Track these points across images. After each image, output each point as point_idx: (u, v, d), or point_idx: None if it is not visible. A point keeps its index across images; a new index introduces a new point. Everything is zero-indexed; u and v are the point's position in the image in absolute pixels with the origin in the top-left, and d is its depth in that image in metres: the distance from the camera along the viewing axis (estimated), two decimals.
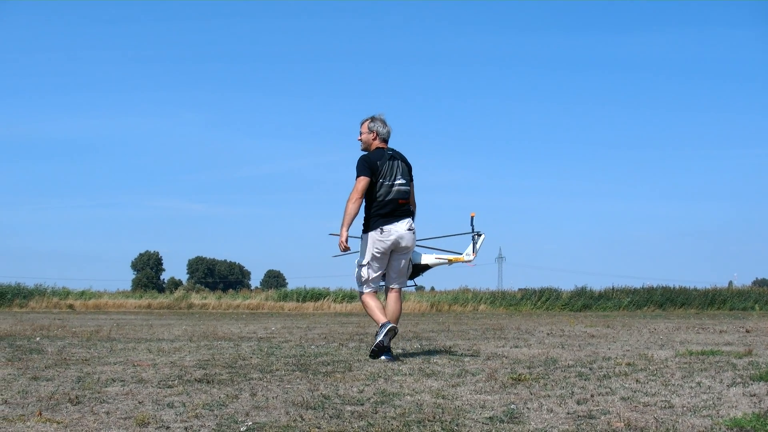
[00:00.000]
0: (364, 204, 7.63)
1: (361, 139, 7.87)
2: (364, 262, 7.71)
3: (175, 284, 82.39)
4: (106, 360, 7.72)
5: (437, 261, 8.24)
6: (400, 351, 8.88)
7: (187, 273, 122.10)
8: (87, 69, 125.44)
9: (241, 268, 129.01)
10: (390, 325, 7.52)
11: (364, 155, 7.72)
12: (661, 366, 7.26)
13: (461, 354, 8.56)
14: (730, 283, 38.79)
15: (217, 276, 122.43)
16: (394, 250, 7.67)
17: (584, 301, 33.26)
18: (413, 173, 7.96)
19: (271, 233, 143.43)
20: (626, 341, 10.84)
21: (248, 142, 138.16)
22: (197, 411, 4.72)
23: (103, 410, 4.77)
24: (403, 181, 7.66)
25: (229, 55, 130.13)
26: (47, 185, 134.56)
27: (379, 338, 7.57)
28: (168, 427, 4.30)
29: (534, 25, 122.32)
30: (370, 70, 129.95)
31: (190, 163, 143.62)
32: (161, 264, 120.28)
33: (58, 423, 4.40)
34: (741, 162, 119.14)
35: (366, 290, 7.83)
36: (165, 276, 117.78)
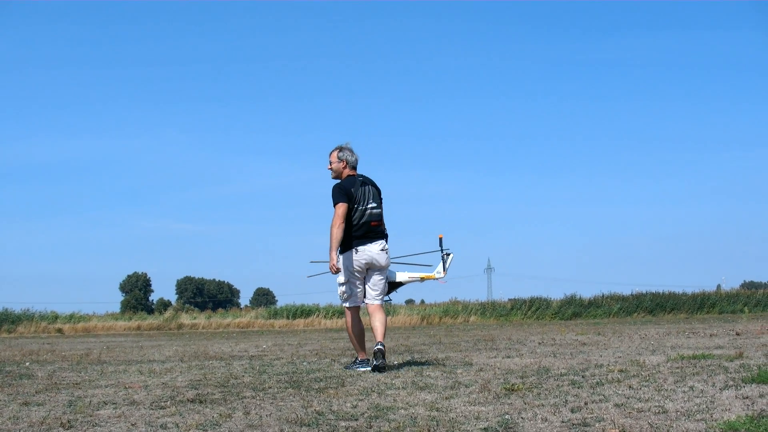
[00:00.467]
0: (340, 238, 8.08)
1: (331, 168, 8.39)
2: (344, 280, 8.27)
3: (165, 305, 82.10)
4: (97, 383, 7.68)
5: (410, 279, 8.70)
6: (393, 364, 8.86)
7: (176, 293, 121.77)
8: (70, 90, 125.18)
9: (230, 286, 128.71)
10: (369, 369, 8.11)
11: (338, 183, 8.23)
12: (654, 371, 7.27)
13: (454, 366, 8.55)
14: (719, 286, 39.03)
15: (207, 295, 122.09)
16: (370, 268, 8.24)
17: (574, 309, 33.31)
18: (382, 196, 8.50)
19: (260, 251, 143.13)
20: (618, 348, 10.85)
21: (233, 159, 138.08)
22: None
23: None
24: (375, 205, 8.21)
25: (212, 73, 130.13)
26: (31, 207, 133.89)
27: (356, 368, 8.30)
28: None
29: (520, 30, 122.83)
30: (354, 85, 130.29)
31: (175, 182, 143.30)
32: (150, 285, 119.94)
33: None
34: (726, 164, 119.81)
35: (350, 305, 8.37)
36: (154, 297, 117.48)
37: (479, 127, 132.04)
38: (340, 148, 8.34)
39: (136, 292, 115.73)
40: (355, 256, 8.11)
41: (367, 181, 8.31)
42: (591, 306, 33.95)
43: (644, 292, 35.91)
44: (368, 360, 8.43)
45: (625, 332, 15.88)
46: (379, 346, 8.03)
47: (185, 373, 8.51)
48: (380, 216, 8.26)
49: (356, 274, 8.19)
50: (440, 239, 8.73)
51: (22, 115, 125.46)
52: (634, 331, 16.58)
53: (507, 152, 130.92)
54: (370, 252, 8.13)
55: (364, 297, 8.41)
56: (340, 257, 8.19)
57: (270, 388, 6.83)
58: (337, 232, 7.97)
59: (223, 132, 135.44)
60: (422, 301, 52.40)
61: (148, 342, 18.89)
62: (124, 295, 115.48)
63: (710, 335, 13.45)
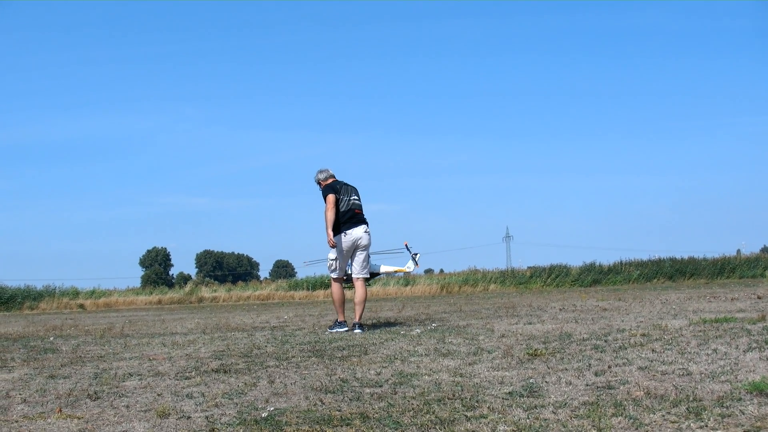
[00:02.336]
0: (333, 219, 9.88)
1: (319, 181, 10.30)
2: (334, 256, 10.10)
3: (185, 279, 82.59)
4: (121, 356, 7.74)
5: (388, 269, 10.68)
6: (415, 332, 8.89)
7: (196, 267, 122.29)
8: (86, 70, 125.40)
9: (249, 259, 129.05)
10: (346, 329, 9.95)
11: (327, 184, 10.19)
12: (676, 335, 7.26)
13: (475, 333, 8.56)
14: (738, 251, 38.76)
15: (226, 269, 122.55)
16: (356, 248, 10.08)
17: (594, 276, 33.23)
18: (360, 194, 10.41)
19: (278, 223, 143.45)
20: (639, 313, 10.84)
21: (251, 134, 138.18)
22: (217, 400, 4.73)
23: (123, 404, 4.78)
24: (356, 197, 10.22)
25: (228, 48, 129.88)
26: (51, 187, 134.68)
27: (335, 329, 9.94)
28: (189, 417, 4.31)
29: (533, 5, 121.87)
30: (372, 58, 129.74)
31: (192, 158, 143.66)
32: (169, 259, 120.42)
33: (79, 418, 4.41)
34: (745, 129, 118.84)
35: (336, 276, 10.21)
36: (174, 271, 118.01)
37: (495, 92, 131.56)
38: (320, 171, 10.39)
39: (157, 267, 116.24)
40: (344, 239, 9.96)
41: (347, 183, 10.30)
42: (611, 272, 33.85)
43: (664, 257, 35.79)
44: (345, 322, 10.05)
45: (646, 298, 15.84)
46: (356, 326, 9.93)
47: (208, 345, 8.56)
48: (360, 206, 10.22)
49: (344, 252, 10.04)
50: (406, 245, 11.25)
51: (39, 96, 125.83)
52: (655, 296, 16.54)
53: (524, 118, 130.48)
54: (356, 234, 10.00)
55: (349, 271, 10.33)
56: (335, 238, 9.90)
57: (293, 357, 6.86)
58: (330, 215, 9.82)
59: (238, 108, 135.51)
60: (441, 271, 52.41)
61: (169, 315, 18.99)
62: (144, 269, 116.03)
63: (731, 299, 13.41)
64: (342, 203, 10.01)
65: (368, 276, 10.30)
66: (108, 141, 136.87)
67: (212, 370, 6.17)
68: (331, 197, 9.91)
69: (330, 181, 10.26)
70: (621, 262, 35.40)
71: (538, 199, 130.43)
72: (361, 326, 9.94)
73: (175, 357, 7.35)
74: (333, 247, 9.90)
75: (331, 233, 9.79)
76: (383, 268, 10.78)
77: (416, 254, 10.90)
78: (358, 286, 10.17)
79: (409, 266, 10.79)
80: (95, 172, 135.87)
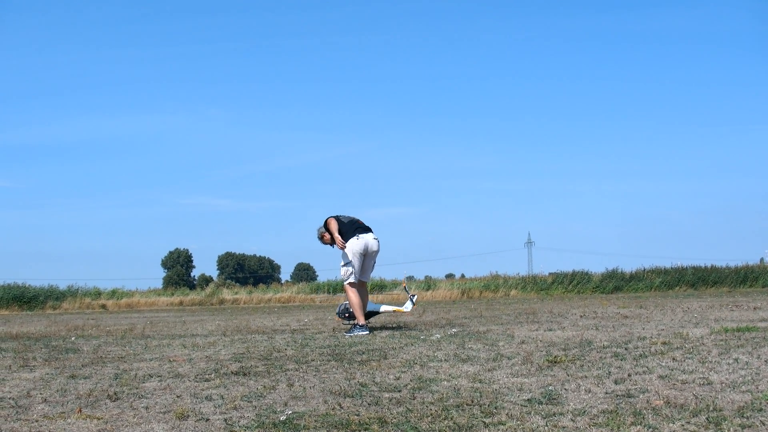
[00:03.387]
0: (338, 229, 10.53)
1: (322, 234, 10.80)
2: (348, 259, 10.38)
3: (206, 280, 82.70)
4: (141, 357, 7.77)
5: (388, 309, 11.16)
6: (435, 337, 8.89)
7: (218, 269, 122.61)
8: (110, 68, 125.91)
9: (270, 262, 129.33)
10: (368, 332, 10.13)
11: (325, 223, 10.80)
12: (697, 344, 7.22)
13: (495, 338, 8.55)
14: (762, 259, 38.50)
15: (247, 271, 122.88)
16: (366, 255, 10.51)
17: (615, 283, 33.08)
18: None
19: (300, 226, 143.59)
20: (660, 321, 10.78)
21: (273, 135, 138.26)
22: (236, 402, 4.75)
23: (142, 405, 4.80)
24: (358, 218, 10.82)
25: (252, 48, 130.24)
26: (75, 186, 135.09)
27: (356, 332, 10.06)
28: (208, 419, 4.32)
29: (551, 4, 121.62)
30: (397, 60, 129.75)
31: (215, 158, 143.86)
32: (191, 261, 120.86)
33: (99, 419, 4.43)
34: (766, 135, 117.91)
35: (353, 280, 10.45)
36: (195, 273, 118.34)
37: (519, 95, 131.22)
38: (318, 229, 10.89)
39: (178, 268, 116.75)
40: (357, 242, 10.39)
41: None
42: (632, 280, 33.69)
43: (686, 265, 35.57)
44: (366, 326, 10.22)
45: (668, 305, 15.77)
46: (368, 333, 10.18)
47: (228, 347, 8.58)
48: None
49: (359, 254, 10.40)
50: (404, 287, 12.32)
51: (65, 94, 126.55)
52: (677, 304, 16.46)
53: (547, 122, 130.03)
54: (367, 238, 10.46)
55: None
56: (348, 243, 10.40)
57: (313, 360, 6.87)
58: (334, 222, 10.55)
59: (261, 108, 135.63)
60: (462, 276, 52.32)
61: (190, 317, 19.06)
62: (166, 271, 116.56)
63: (754, 308, 13.32)
64: (344, 219, 10.70)
65: (368, 281, 10.89)
66: (132, 140, 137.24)
67: (232, 372, 6.19)
68: (329, 219, 10.66)
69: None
70: (643, 270, 35.25)
71: (560, 205, 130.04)
72: (363, 327, 10.26)
73: (195, 359, 7.38)
74: (343, 248, 10.39)
75: (339, 237, 10.43)
76: (383, 308, 11.16)
77: (414, 295, 11.27)
78: (364, 289, 10.70)
79: (407, 307, 11.15)
80: (119, 172, 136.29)
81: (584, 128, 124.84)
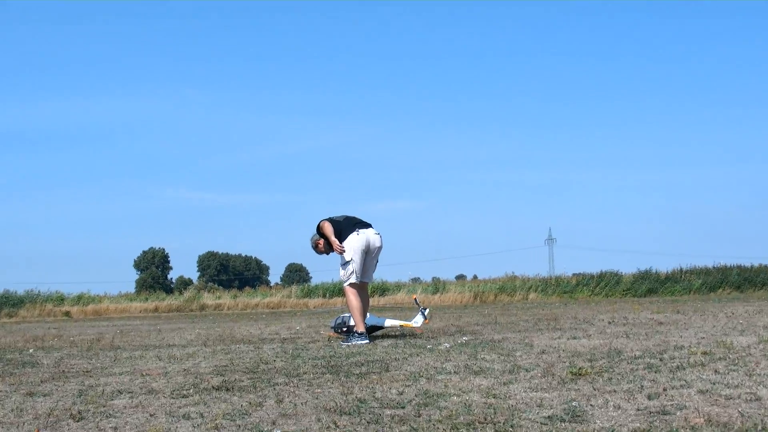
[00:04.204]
0: (334, 231, 10.57)
1: (317, 242, 10.91)
2: (349, 258, 10.42)
3: (185, 284, 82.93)
4: (110, 371, 7.76)
5: (394, 323, 11.12)
6: (444, 347, 8.88)
7: (198, 271, 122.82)
8: (71, 45, 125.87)
9: (258, 262, 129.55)
10: (368, 341, 10.13)
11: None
12: (743, 354, 7.20)
13: (512, 348, 8.54)
14: None
15: (232, 273, 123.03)
16: (368, 252, 10.60)
17: (649, 285, 33.12)
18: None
19: (291, 222, 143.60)
20: (700, 328, 10.77)
21: (262, 120, 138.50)
22: (217, 422, 4.73)
23: (110, 425, 4.79)
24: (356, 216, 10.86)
25: (235, 25, 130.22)
26: (35, 178, 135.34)
27: (355, 341, 10.05)
28: None
29: None
30: (398, 38, 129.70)
31: (195, 146, 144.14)
32: (168, 262, 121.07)
33: None
34: None
35: (354, 280, 10.45)
36: (173, 275, 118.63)
37: (535, 77, 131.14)
38: (312, 238, 10.98)
39: (153, 270, 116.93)
40: (357, 237, 10.47)
41: None
42: (668, 281, 33.72)
43: (730, 265, 35.58)
44: (365, 334, 10.23)
45: (709, 310, 15.76)
46: (369, 342, 10.17)
47: (209, 359, 8.58)
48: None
49: (360, 252, 10.46)
50: (414, 299, 12.03)
51: (22, 75, 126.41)
52: (719, 309, 16.45)
53: (568, 105, 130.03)
54: (368, 233, 10.57)
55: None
56: (344, 242, 10.49)
57: (305, 373, 6.86)
58: (328, 224, 10.57)
59: (251, 90, 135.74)
60: (475, 277, 52.37)
61: (167, 325, 19.07)
62: (139, 273, 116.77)
63: None
64: (338, 218, 10.78)
65: (370, 282, 11.06)
66: (100, 126, 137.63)
67: (213, 387, 6.18)
68: (322, 222, 10.72)
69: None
70: (680, 270, 35.27)
71: (585, 197, 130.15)
72: (362, 336, 10.27)
73: (172, 372, 7.37)
74: (342, 252, 10.44)
75: (336, 240, 10.50)
76: (388, 322, 11.14)
77: (425, 309, 11.15)
78: (365, 291, 10.74)
79: (417, 321, 11.00)
80: (85, 163, 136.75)
81: (611, 110, 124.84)
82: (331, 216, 10.83)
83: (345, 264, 10.46)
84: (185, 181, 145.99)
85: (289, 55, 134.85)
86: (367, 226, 10.70)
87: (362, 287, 10.63)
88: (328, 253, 10.88)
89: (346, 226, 10.62)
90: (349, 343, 9.90)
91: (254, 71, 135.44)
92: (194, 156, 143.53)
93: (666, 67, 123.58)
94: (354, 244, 10.43)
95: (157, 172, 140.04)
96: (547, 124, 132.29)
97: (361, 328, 10.34)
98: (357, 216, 10.89)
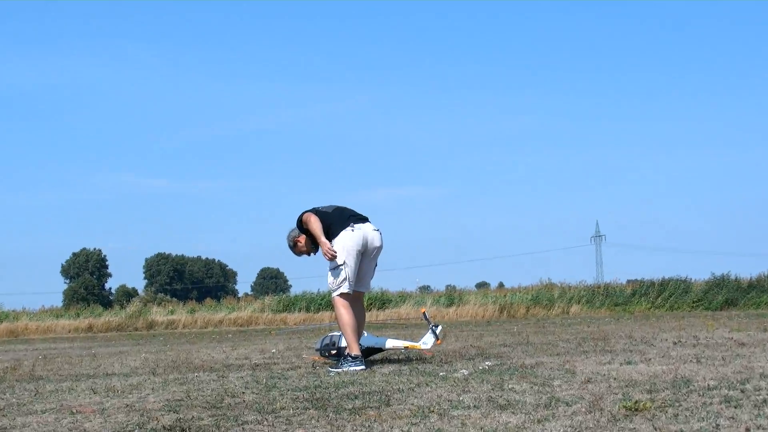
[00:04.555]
0: (322, 225, 10.48)
1: (296, 239, 10.96)
2: (341, 262, 10.32)
3: (128, 295, 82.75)
4: (30, 408, 7.75)
5: (396, 344, 11.21)
6: (461, 373, 8.89)
7: (145, 278, 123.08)
8: None
9: (222, 267, 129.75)
10: (363, 367, 10.09)
11: (301, 220, 10.75)
12: None
13: (548, 375, 8.55)
14: None
15: (188, 280, 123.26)
16: (364, 253, 10.55)
17: (727, 294, 33.12)
18: None
19: (264, 216, 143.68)
20: None
21: (227, 87, 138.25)
22: None
23: None
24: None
25: None
26: None
27: (347, 367, 10.04)
28: None
29: None
30: None
31: (144, 121, 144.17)
32: (106, 267, 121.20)
33: None
34: None
35: (344, 290, 10.37)
36: (112, 284, 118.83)
37: (572, 37, 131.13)
38: (291, 230, 11.00)
39: (86, 278, 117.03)
40: (352, 234, 10.42)
41: None
42: (752, 290, 33.73)
43: None
44: (360, 358, 10.25)
45: None
46: (364, 368, 10.13)
47: (159, 391, 8.58)
48: None
49: (355, 253, 10.40)
50: (423, 313, 11.77)
51: None
52: None
53: (616, 71, 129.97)
54: (365, 230, 10.52)
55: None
56: (334, 241, 10.44)
57: (283, 409, 6.87)
58: (315, 220, 10.45)
59: (214, 49, 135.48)
60: (501, 285, 52.46)
61: (104, 348, 19.08)
62: (68, 282, 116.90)
63: None
64: (326, 209, 10.76)
65: (367, 291, 11.22)
66: (15, 96, 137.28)
67: (164, 427, 6.19)
68: (306, 214, 10.65)
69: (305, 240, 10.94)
70: (766, 276, 35.22)
71: (642, 183, 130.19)
72: (356, 360, 10.21)
73: (111, 409, 7.37)
74: (333, 258, 10.34)
75: (325, 240, 10.36)
76: (389, 343, 11.16)
77: (437, 326, 11.06)
78: (359, 306, 10.73)
79: (426, 342, 10.92)
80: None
81: (673, 77, 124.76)
82: (317, 207, 10.76)
83: (335, 269, 10.38)
84: (128, 164, 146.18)
85: (263, 3, 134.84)
86: (363, 220, 10.64)
87: (356, 298, 10.59)
88: (311, 254, 10.90)
89: (336, 219, 10.53)
90: (340, 370, 9.93)
91: (220, 25, 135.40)
92: (139, 132, 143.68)
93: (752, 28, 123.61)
94: (347, 243, 10.36)
95: (92, 154, 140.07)
96: (594, 91, 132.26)
97: (355, 351, 10.28)
98: (349, 207, 10.84)
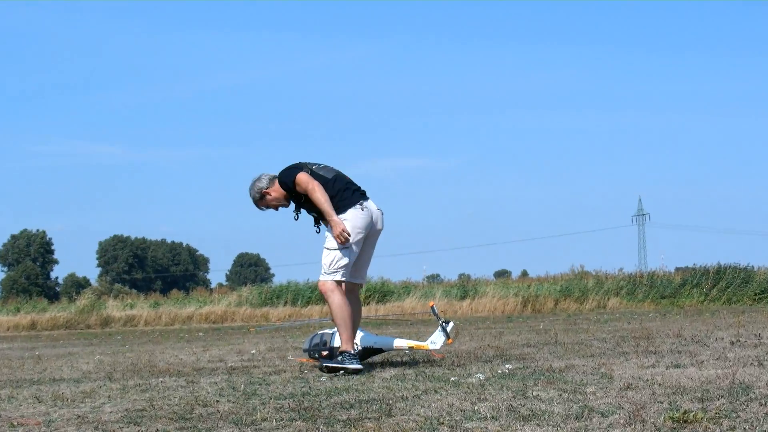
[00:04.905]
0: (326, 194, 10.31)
1: (263, 191, 10.80)
2: (354, 241, 10.31)
3: (78, 286, 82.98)
4: None
5: (401, 345, 11.19)
6: (477, 378, 8.92)
7: (99, 266, 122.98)
8: None
9: (192, 252, 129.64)
10: (359, 367, 10.16)
11: (282, 175, 10.70)
12: None
13: (580, 381, 8.58)
14: None
15: (151, 268, 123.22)
16: (366, 237, 10.56)
17: None
18: None
19: (241, 191, 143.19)
20: None
21: (194, 35, 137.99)
22: None
23: None
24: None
25: None
26: None
27: (347, 363, 10.13)
28: None
29: None
30: None
31: (95, 75, 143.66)
32: (51, 252, 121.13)
33: None
34: None
35: (339, 276, 10.36)
36: (59, 272, 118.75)
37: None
38: (256, 180, 10.84)
39: (28, 265, 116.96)
40: (362, 215, 10.41)
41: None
42: None
43: None
44: (356, 357, 10.32)
45: None
46: (361, 367, 10.26)
47: (117, 400, 8.61)
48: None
49: (361, 239, 10.42)
50: (432, 307, 11.50)
51: None
52: None
53: (661, 22, 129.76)
54: (371, 208, 10.57)
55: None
56: (344, 220, 10.32)
57: (264, 420, 6.90)
58: (321, 192, 10.24)
59: None
60: (524, 274, 52.49)
61: (50, 349, 19.11)
62: (5, 270, 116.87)
63: None
64: (325, 173, 10.57)
65: (364, 282, 11.26)
66: None
67: None
68: (303, 176, 10.42)
69: (277, 178, 10.79)
70: None
71: (693, 152, 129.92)
72: (351, 359, 10.20)
73: (59, 421, 7.40)
74: (346, 240, 10.21)
75: (338, 220, 10.21)
76: (396, 343, 11.15)
77: (447, 322, 10.99)
78: (355, 301, 10.73)
79: (435, 341, 10.86)
80: None
81: (736, 27, 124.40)
82: (306, 163, 10.70)
83: (340, 250, 10.36)
84: (75, 127, 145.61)
85: None
86: (365, 194, 10.65)
87: (351, 291, 10.63)
88: (278, 209, 10.90)
89: (340, 191, 10.48)
90: (333, 365, 10.06)
91: None
92: (90, 89, 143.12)
93: None
94: (357, 225, 10.36)
95: (29, 115, 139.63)
96: (638, 41, 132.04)
97: (349, 347, 10.32)
98: (341, 171, 10.78)
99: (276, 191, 10.66)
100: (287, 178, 10.49)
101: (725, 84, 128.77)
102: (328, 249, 10.33)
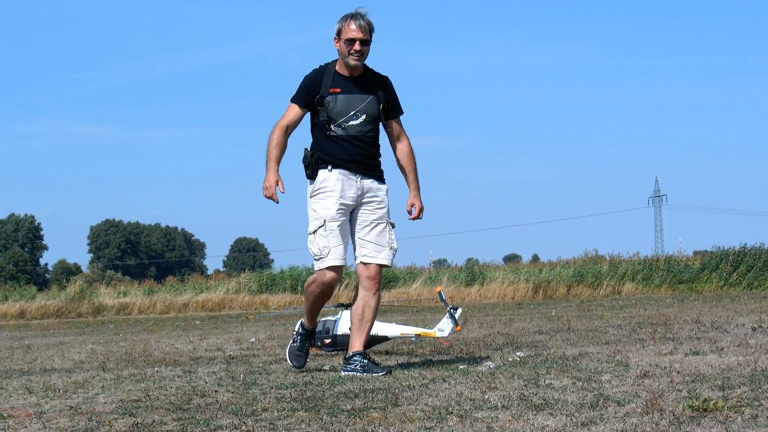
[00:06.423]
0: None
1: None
2: (319, 224, 9.45)
3: (69, 272, 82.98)
4: None
5: (406, 332, 11.13)
6: (487, 366, 8.92)
7: (90, 251, 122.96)
8: None
9: (187, 237, 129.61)
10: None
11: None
12: None
13: (595, 369, 8.58)
14: None
15: (145, 254, 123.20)
16: (359, 204, 9.61)
17: None
18: None
19: (239, 174, 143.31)
20: None
21: (187, 7, 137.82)
22: None
23: None
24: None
25: None
26: None
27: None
28: None
29: None
30: None
31: (83, 53, 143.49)
32: (41, 237, 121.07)
33: None
34: None
35: (323, 264, 9.45)
36: (49, 258, 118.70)
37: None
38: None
39: (16, 251, 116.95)
40: (329, 174, 9.48)
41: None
42: None
43: None
44: (309, 332, 9.95)
45: None
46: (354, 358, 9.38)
47: (111, 390, 8.62)
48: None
49: (339, 206, 9.46)
50: (439, 293, 11.33)
51: None
52: None
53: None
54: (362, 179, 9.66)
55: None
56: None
57: (265, 411, 6.90)
58: (277, 135, 9.60)
59: None
60: (535, 258, 52.49)
61: (40, 338, 19.12)
62: None
63: None
64: (327, 111, 9.59)
65: (389, 263, 9.94)
66: None
67: None
68: (292, 106, 9.71)
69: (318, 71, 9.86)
70: None
71: (712, 132, 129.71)
72: (361, 357, 9.35)
73: (51, 412, 7.40)
74: (270, 196, 9.49)
75: (273, 168, 9.51)
76: (402, 330, 11.09)
77: (456, 308, 10.73)
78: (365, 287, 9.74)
79: (443, 328, 10.70)
80: None
81: (749, 5, 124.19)
82: (321, 95, 9.53)
83: (314, 231, 9.61)
84: (64, 107, 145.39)
85: None
86: (362, 163, 9.83)
87: (371, 276, 9.57)
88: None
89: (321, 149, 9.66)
90: (350, 372, 9.28)
91: None
92: (75, 64, 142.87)
93: None
94: (323, 187, 9.51)
95: (18, 95, 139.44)
96: (656, 13, 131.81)
97: (310, 323, 9.98)
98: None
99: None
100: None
101: (744, 58, 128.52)
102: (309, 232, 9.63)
